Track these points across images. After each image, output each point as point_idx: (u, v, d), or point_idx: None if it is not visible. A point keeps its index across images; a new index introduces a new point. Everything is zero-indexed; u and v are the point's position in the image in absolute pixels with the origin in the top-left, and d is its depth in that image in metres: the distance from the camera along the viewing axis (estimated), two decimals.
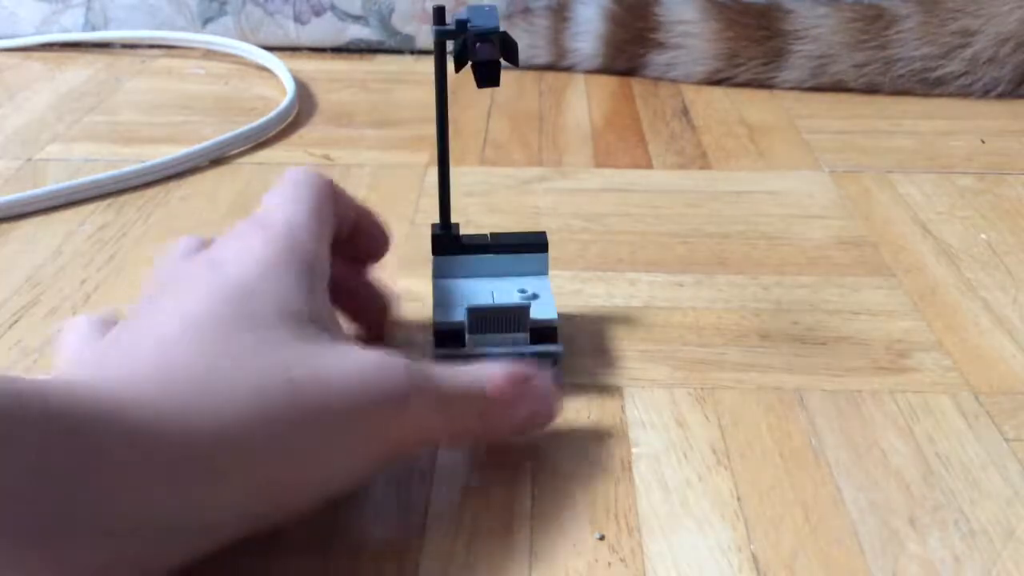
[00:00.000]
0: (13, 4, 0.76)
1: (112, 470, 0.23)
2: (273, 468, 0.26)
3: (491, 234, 0.40)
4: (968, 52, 0.66)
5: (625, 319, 0.41)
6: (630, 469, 0.32)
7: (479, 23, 0.34)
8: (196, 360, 0.26)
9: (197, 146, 0.56)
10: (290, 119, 0.63)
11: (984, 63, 0.66)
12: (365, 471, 0.29)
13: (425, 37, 0.76)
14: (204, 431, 0.25)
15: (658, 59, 0.70)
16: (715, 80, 0.70)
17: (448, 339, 0.36)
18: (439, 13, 0.35)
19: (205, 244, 0.33)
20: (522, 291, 0.38)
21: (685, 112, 0.65)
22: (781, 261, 0.46)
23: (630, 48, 0.71)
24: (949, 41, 0.66)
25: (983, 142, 0.60)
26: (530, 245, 0.39)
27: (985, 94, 0.67)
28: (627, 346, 0.39)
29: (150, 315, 0.29)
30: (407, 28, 0.76)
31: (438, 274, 0.39)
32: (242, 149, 0.58)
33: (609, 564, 0.28)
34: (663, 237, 0.48)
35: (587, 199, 0.52)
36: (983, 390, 0.36)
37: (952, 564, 0.28)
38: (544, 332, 0.36)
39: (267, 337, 0.27)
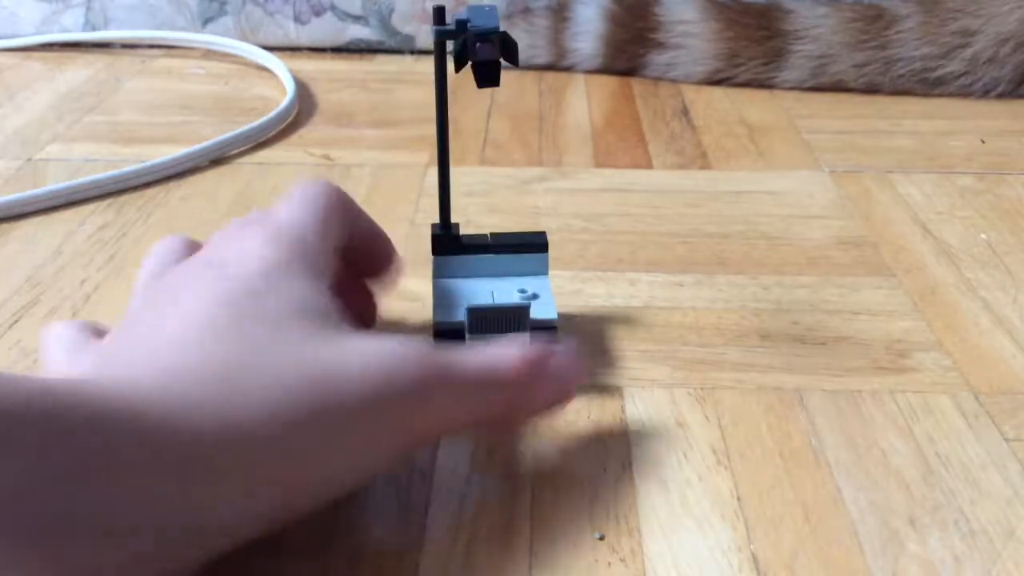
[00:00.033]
0: (13, 4, 0.76)
1: (120, 470, 0.23)
2: (295, 464, 0.26)
3: (491, 234, 0.40)
4: (968, 52, 0.66)
5: (625, 319, 0.41)
6: (630, 469, 0.32)
7: (479, 23, 0.34)
8: (210, 359, 0.26)
9: (197, 146, 0.56)
10: (290, 119, 0.63)
11: (984, 63, 0.66)
12: (389, 461, 0.29)
13: (425, 37, 0.76)
14: (220, 430, 0.24)
15: (658, 59, 0.70)
16: (715, 80, 0.70)
17: (448, 339, 0.36)
18: (439, 13, 0.35)
19: (190, 245, 0.33)
20: (522, 291, 0.38)
21: (685, 112, 0.65)
22: (781, 261, 0.46)
23: (630, 48, 0.71)
24: (949, 41, 0.66)
25: (983, 142, 0.60)
26: (530, 245, 0.39)
27: (985, 94, 0.67)
28: (627, 346, 0.39)
29: (155, 318, 0.28)
30: (407, 28, 0.76)
31: (438, 274, 0.39)
32: (242, 149, 0.58)
33: (609, 564, 0.28)
34: (663, 237, 0.48)
35: (587, 199, 0.52)
36: (983, 390, 0.36)
37: (952, 564, 0.28)
38: (544, 332, 0.36)
39: (280, 334, 0.27)
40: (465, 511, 0.30)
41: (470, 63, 0.34)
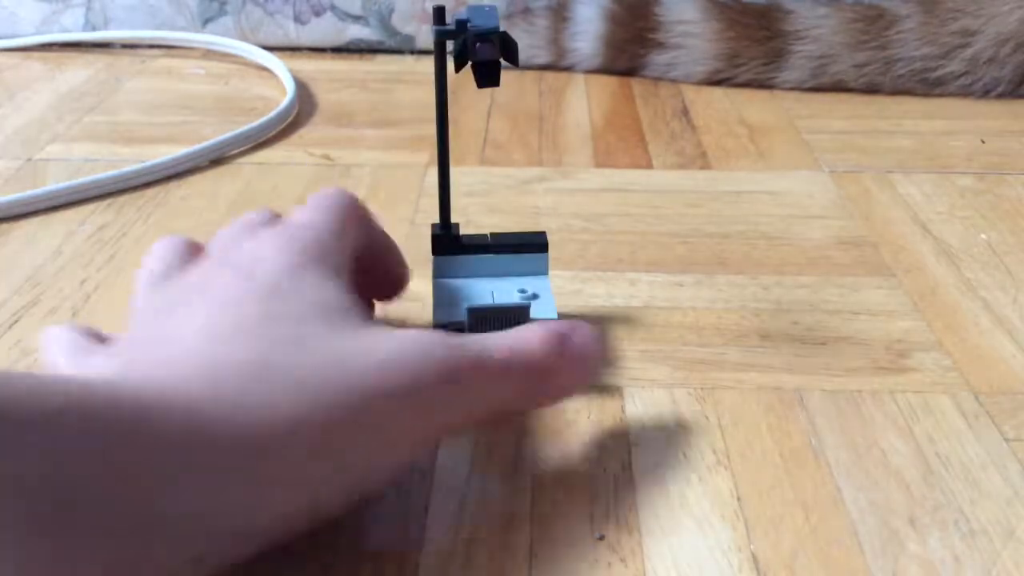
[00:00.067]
0: (13, 4, 0.76)
1: (181, 472, 0.23)
2: (336, 458, 0.26)
3: (491, 234, 0.40)
4: (968, 52, 0.66)
5: (625, 319, 0.41)
6: (630, 469, 0.32)
7: (479, 23, 0.34)
8: (246, 357, 0.26)
9: (197, 146, 0.56)
10: (290, 119, 0.63)
11: (984, 63, 0.66)
12: (422, 452, 0.29)
13: (425, 37, 0.76)
14: (270, 427, 0.24)
15: (658, 59, 0.70)
16: (715, 80, 0.70)
17: None
18: (439, 13, 0.35)
19: (191, 245, 0.33)
20: (522, 291, 0.38)
21: (685, 112, 0.65)
22: (781, 261, 0.46)
23: (630, 48, 0.71)
24: (949, 41, 0.66)
25: (983, 142, 0.60)
26: (530, 245, 0.39)
27: (985, 94, 0.67)
28: (627, 346, 0.39)
29: (177, 319, 0.28)
30: (407, 28, 0.76)
31: (438, 274, 0.39)
32: (242, 149, 0.58)
33: (609, 564, 0.28)
34: (663, 237, 0.48)
35: (587, 199, 0.52)
36: (983, 390, 0.36)
37: (952, 564, 0.28)
38: None
39: (308, 330, 0.27)
40: (465, 511, 0.30)
41: (470, 63, 0.34)
